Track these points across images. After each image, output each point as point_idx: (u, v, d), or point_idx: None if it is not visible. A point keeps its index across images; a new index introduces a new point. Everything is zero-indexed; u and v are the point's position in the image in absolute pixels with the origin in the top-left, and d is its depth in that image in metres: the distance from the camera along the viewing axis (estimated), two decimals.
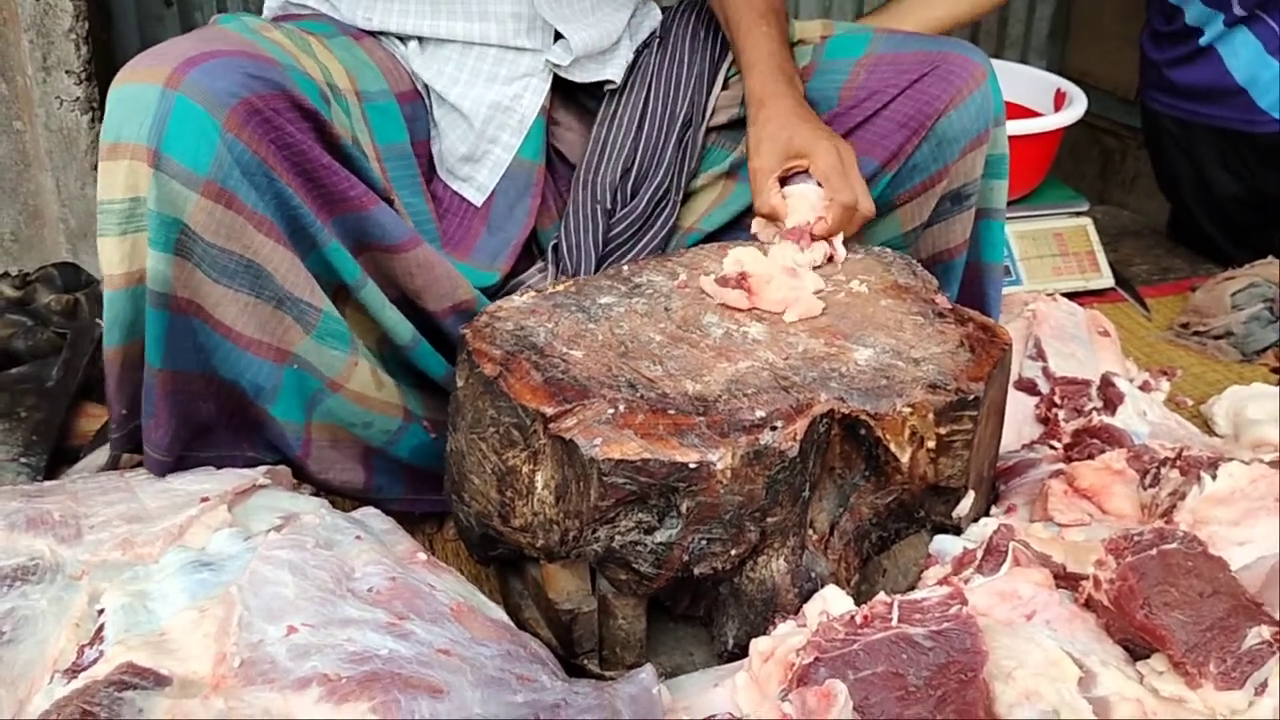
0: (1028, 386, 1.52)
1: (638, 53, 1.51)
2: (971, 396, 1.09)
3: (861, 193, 1.30)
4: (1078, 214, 2.15)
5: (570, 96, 1.48)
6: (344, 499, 1.28)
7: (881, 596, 0.93)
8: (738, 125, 1.48)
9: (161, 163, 1.06)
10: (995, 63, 2.34)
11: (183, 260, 1.10)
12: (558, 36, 1.41)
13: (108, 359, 1.17)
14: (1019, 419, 1.47)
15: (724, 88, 1.48)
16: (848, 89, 1.41)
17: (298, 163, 1.14)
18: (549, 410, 1.03)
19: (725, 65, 1.48)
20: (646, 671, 0.95)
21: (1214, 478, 1.12)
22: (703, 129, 1.46)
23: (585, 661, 1.15)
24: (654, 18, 1.56)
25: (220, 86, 1.08)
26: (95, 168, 1.95)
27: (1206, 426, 1.62)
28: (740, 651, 1.06)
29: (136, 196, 1.07)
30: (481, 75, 1.38)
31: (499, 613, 1.00)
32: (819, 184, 1.30)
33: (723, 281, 1.22)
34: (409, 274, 1.25)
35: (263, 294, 1.14)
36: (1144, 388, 1.68)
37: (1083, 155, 3.08)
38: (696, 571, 1.04)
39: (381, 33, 1.40)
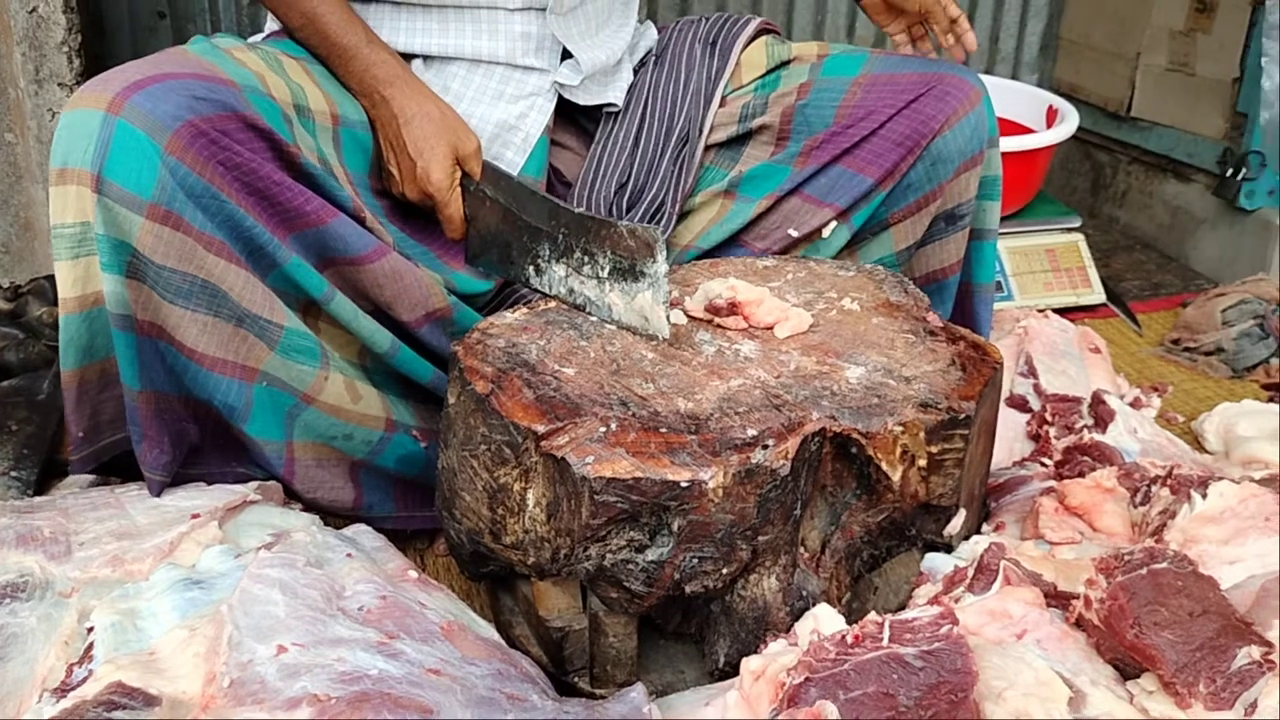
0: (1019, 403, 1.52)
1: (635, 71, 1.51)
2: (963, 415, 1.09)
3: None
4: (1070, 230, 2.16)
5: (569, 117, 1.49)
6: (335, 516, 1.28)
7: (873, 616, 0.93)
8: (736, 143, 1.49)
9: (104, 187, 1.07)
10: (987, 79, 2.36)
11: (137, 283, 1.11)
12: (564, 57, 1.42)
13: (65, 382, 1.17)
14: (1010, 436, 1.48)
15: (721, 105, 1.49)
16: (844, 107, 1.42)
17: (248, 182, 1.14)
18: (541, 428, 1.03)
19: (723, 83, 1.49)
20: (637, 690, 0.94)
21: (1204, 496, 1.12)
22: (700, 146, 1.46)
23: (576, 679, 1.15)
24: (650, 37, 1.56)
25: (163, 110, 1.08)
26: None
27: (1197, 443, 1.63)
28: (731, 670, 1.06)
29: (85, 221, 1.08)
30: (487, 93, 1.39)
31: (490, 631, 1.00)
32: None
33: (714, 310, 1.22)
34: (377, 285, 1.25)
35: (220, 313, 1.14)
36: (1135, 404, 1.68)
37: (1074, 170, 3.09)
38: (688, 590, 1.04)
39: None
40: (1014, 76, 2.92)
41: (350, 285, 1.25)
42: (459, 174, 1.30)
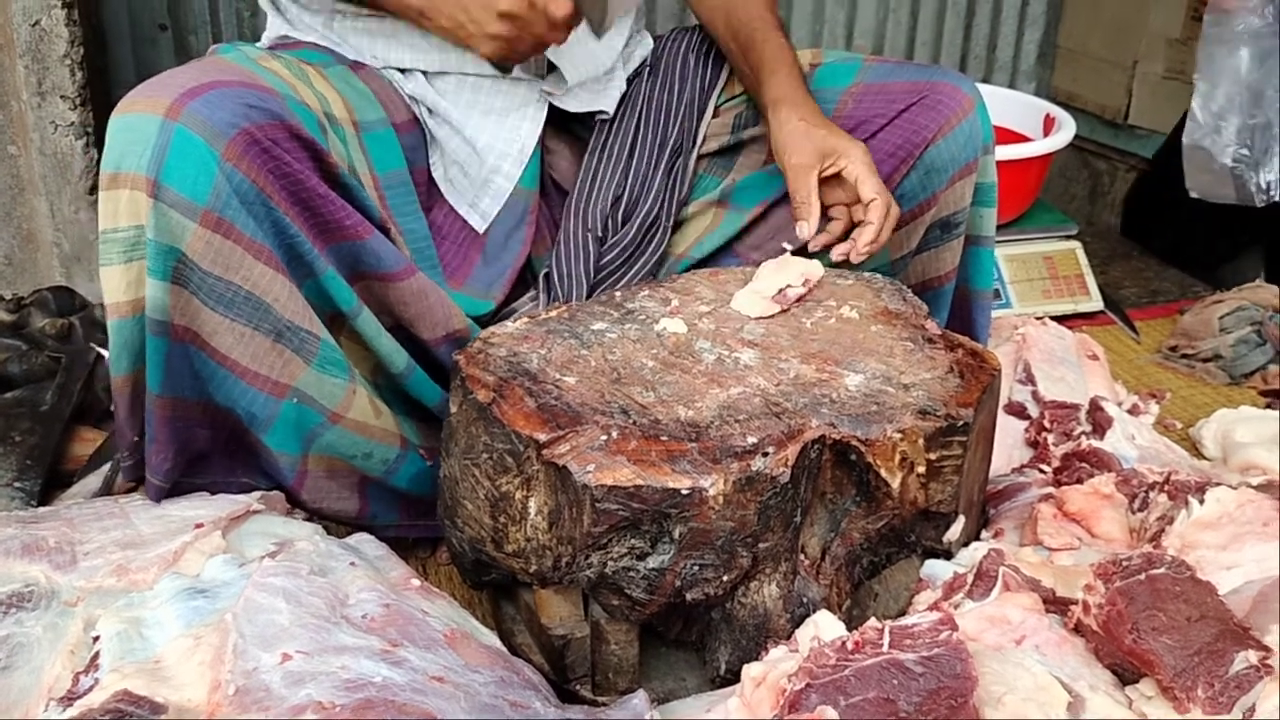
0: (1017, 410, 1.53)
1: (629, 80, 1.52)
2: (961, 422, 1.10)
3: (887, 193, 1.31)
4: (1067, 237, 2.17)
5: (562, 124, 1.50)
6: (337, 524, 1.29)
7: (873, 622, 0.94)
8: (729, 152, 1.49)
9: (160, 193, 1.07)
10: (984, 88, 2.37)
11: (179, 288, 1.11)
12: (551, 67, 1.42)
13: (116, 387, 1.17)
14: (1009, 443, 1.48)
15: (715, 115, 1.49)
16: (836, 117, 1.42)
17: (295, 192, 1.15)
18: (542, 436, 1.04)
19: (716, 93, 1.50)
20: (639, 697, 0.95)
21: (1201, 502, 1.13)
22: (693, 156, 1.47)
23: (578, 687, 1.15)
24: (645, 46, 1.57)
25: (219, 117, 1.09)
26: (90, 192, 1.96)
27: (1195, 449, 1.63)
28: (733, 677, 1.06)
29: (139, 225, 1.09)
30: (478, 107, 1.40)
31: (492, 639, 1.00)
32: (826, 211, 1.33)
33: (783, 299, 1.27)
34: (403, 303, 1.26)
35: (261, 326, 1.14)
36: (1133, 411, 1.69)
37: (1072, 178, 3.10)
38: (689, 597, 1.05)
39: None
40: (1011, 85, 2.94)
41: (376, 301, 1.25)
42: None
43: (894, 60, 1.51)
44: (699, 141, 1.47)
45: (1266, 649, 0.97)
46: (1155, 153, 2.44)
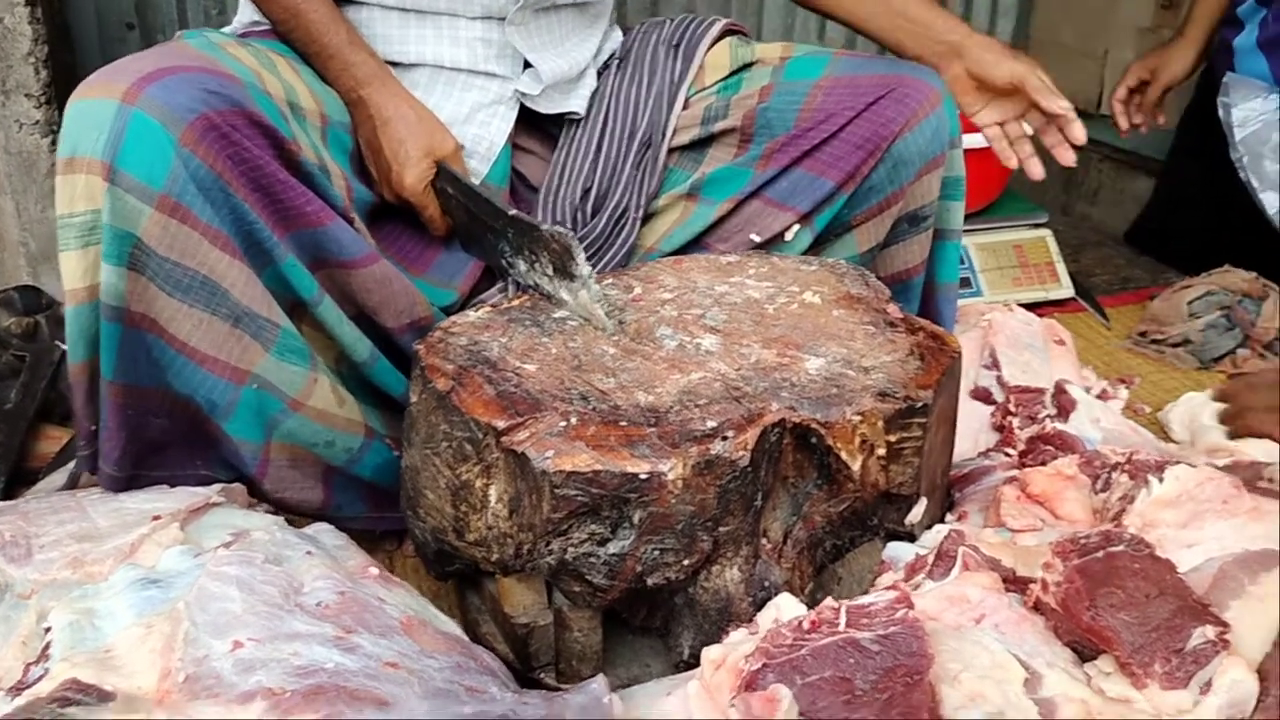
0: (983, 395, 1.53)
1: (599, 74, 1.52)
2: (920, 404, 1.10)
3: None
4: (1037, 225, 2.17)
5: (534, 122, 1.49)
6: (301, 516, 1.28)
7: (829, 602, 0.94)
8: (699, 145, 1.49)
9: (116, 177, 1.06)
10: None
11: (136, 274, 1.10)
12: (527, 65, 1.42)
13: (73, 375, 1.17)
14: (975, 427, 1.49)
15: (685, 107, 1.49)
16: (805, 111, 1.42)
17: (254, 178, 1.14)
18: (501, 424, 1.04)
19: (686, 84, 1.49)
20: (598, 681, 0.95)
21: (1161, 481, 1.13)
22: (663, 150, 1.46)
23: (542, 675, 1.15)
24: (615, 40, 1.57)
25: (177, 102, 1.08)
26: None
27: (1164, 433, 1.64)
28: (696, 661, 1.05)
29: (95, 209, 1.08)
30: (450, 100, 1.39)
31: (451, 626, 1.00)
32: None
33: None
34: (366, 290, 1.26)
35: (219, 311, 1.14)
36: (1103, 396, 1.69)
37: (1047, 167, 3.12)
38: (650, 582, 1.05)
39: None
40: None
41: (339, 289, 1.25)
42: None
43: (863, 54, 1.52)
44: (669, 134, 1.47)
45: (1224, 624, 0.97)
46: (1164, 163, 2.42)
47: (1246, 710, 0.93)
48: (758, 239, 1.44)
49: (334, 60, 1.30)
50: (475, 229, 1.33)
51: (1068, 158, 1.47)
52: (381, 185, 1.33)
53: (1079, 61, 3.02)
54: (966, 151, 1.98)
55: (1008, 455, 1.40)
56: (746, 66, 1.50)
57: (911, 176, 1.41)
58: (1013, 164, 1.51)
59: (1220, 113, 1.96)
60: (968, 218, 2.08)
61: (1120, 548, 1.02)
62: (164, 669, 0.83)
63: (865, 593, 1.15)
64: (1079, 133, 1.44)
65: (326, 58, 1.31)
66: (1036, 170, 1.49)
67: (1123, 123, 2.15)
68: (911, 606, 0.92)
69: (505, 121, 1.42)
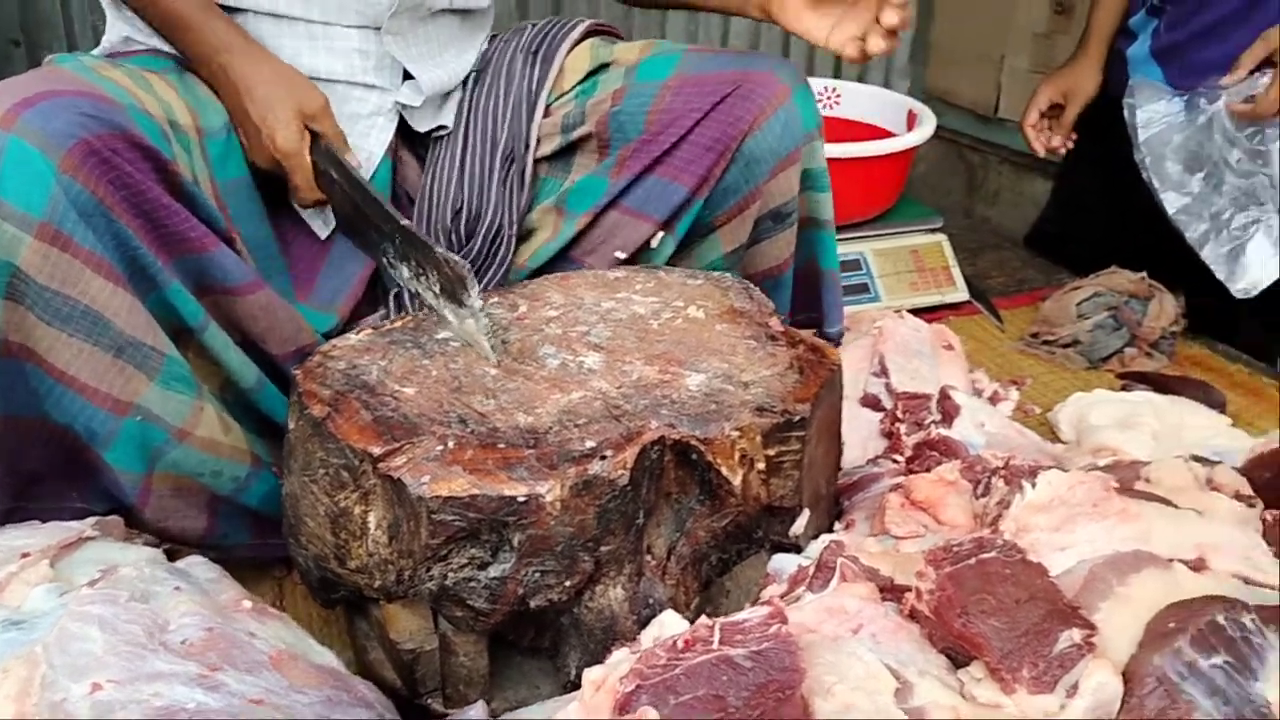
0: (872, 403, 1.56)
1: (463, 86, 1.50)
2: (798, 417, 1.11)
3: None
4: (933, 230, 2.21)
5: (415, 137, 1.48)
6: (184, 546, 1.26)
7: (704, 620, 0.95)
8: (566, 153, 1.47)
9: None
10: (850, 85, 2.41)
11: (14, 304, 1.08)
12: (408, 76, 1.41)
13: None
14: (864, 435, 1.51)
15: (545, 114, 1.47)
16: (654, 113, 1.40)
17: (137, 203, 1.12)
18: (377, 450, 1.03)
19: (545, 91, 1.47)
20: (477, 708, 0.95)
21: (1034, 485, 1.16)
22: (528, 162, 1.45)
23: (430, 701, 1.14)
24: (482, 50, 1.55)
25: (55, 127, 1.06)
26: None
27: (1053, 434, 1.67)
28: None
29: None
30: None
31: (326, 658, 0.99)
32: None
33: None
34: (252, 317, 1.24)
35: (100, 342, 1.11)
36: (994, 398, 1.73)
37: (949, 171, 3.18)
38: (533, 604, 1.05)
39: None
40: (886, 84, 2.99)
41: (224, 315, 1.23)
42: (308, 136, 1.29)
43: (715, 50, 1.49)
44: (532, 145, 1.45)
45: (1091, 627, 0.99)
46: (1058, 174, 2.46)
47: (1112, 711, 0.95)
48: (622, 255, 1.43)
49: (190, 32, 1.27)
50: (359, 223, 1.30)
51: (876, 45, 1.32)
52: (252, 153, 1.29)
53: (978, 67, 3.08)
54: (865, 159, 2.02)
55: (895, 462, 1.42)
56: (604, 68, 1.47)
57: (766, 175, 1.39)
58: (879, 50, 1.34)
59: (1125, 114, 2.01)
60: (865, 224, 2.12)
61: (992, 554, 1.04)
62: (18, 714, 0.80)
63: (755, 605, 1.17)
64: (892, 16, 1.29)
65: (184, 29, 1.28)
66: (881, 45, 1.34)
67: (1038, 147, 2.17)
68: (785, 621, 0.92)
69: (384, 133, 1.41)
